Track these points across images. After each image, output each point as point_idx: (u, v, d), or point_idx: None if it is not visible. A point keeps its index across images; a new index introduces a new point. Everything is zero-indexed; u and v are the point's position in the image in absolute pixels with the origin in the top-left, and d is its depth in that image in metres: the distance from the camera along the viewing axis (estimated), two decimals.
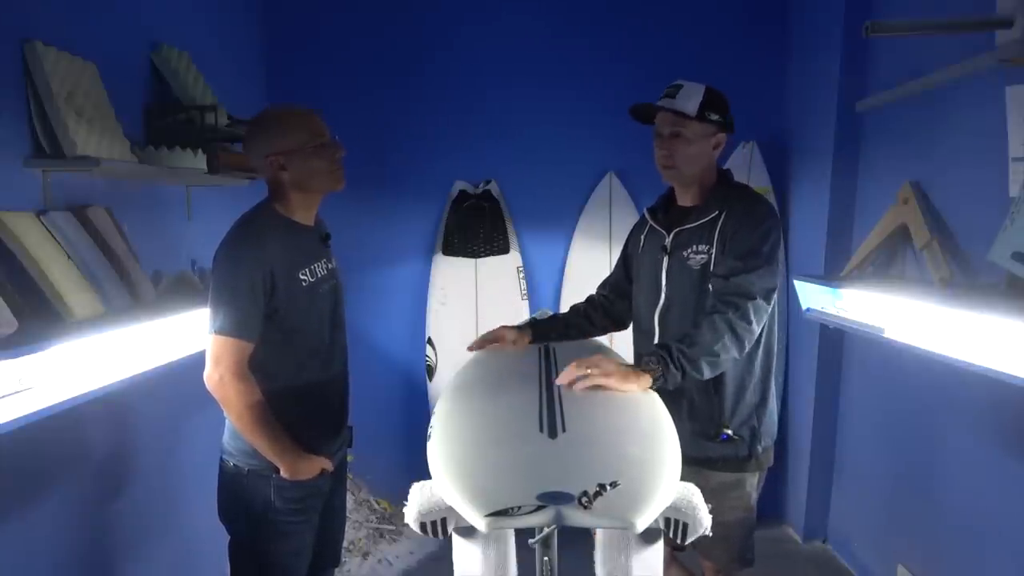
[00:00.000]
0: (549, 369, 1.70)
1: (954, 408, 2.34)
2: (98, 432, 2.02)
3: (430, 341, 3.51)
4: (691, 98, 1.79)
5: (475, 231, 3.48)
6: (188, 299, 2.09)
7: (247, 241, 1.68)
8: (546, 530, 1.24)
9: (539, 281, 3.59)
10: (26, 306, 1.54)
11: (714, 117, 1.81)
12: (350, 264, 2.48)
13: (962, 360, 1.88)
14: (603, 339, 2.20)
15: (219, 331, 1.63)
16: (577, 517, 1.05)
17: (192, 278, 2.28)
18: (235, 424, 1.70)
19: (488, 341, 1.96)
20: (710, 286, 1.78)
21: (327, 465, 1.81)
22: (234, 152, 2.43)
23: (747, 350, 1.74)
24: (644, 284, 1.96)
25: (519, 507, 1.05)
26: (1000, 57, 1.68)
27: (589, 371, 1.52)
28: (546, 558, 1.29)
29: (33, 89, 1.71)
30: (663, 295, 1.88)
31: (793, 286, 2.90)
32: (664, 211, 1.98)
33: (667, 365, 1.61)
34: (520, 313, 3.38)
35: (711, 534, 1.30)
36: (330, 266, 1.86)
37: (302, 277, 1.73)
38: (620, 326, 2.12)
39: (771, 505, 3.47)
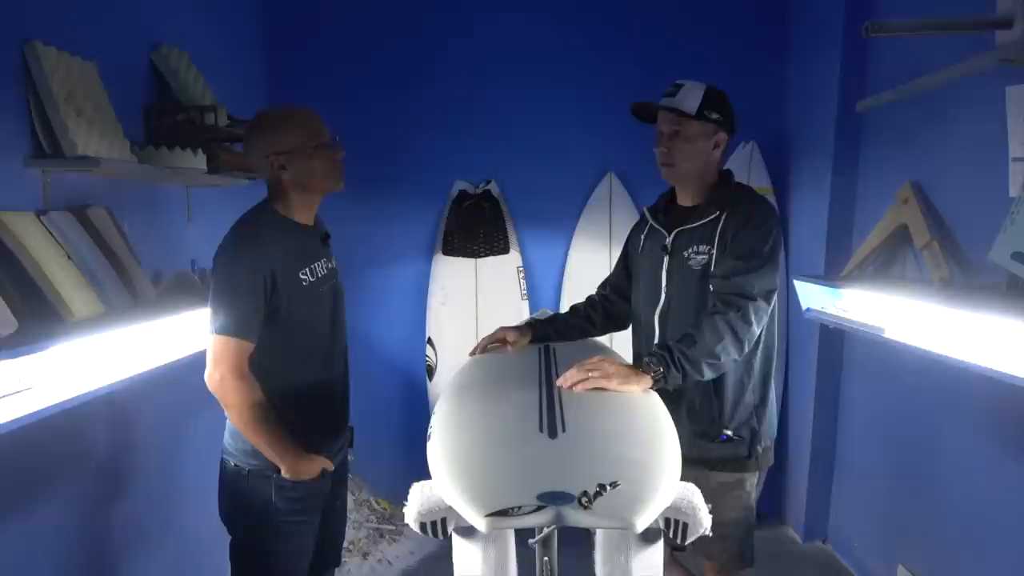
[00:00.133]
0: (549, 369, 1.70)
1: (954, 408, 2.34)
2: (98, 432, 2.02)
3: (430, 341, 3.51)
4: (691, 97, 1.80)
5: (475, 231, 3.48)
6: (188, 299, 2.09)
7: (247, 241, 1.68)
8: (546, 530, 1.24)
9: (539, 281, 3.59)
10: (26, 306, 1.55)
11: (714, 116, 1.81)
12: (350, 264, 2.48)
13: (962, 360, 1.88)
14: (603, 339, 2.19)
15: (219, 331, 1.63)
16: (577, 517, 1.05)
17: (192, 278, 2.28)
18: (236, 424, 1.70)
19: (490, 344, 1.96)
20: (711, 286, 1.78)
21: (328, 465, 1.80)
22: (234, 152, 2.43)
23: (747, 351, 1.74)
24: (644, 284, 1.96)
25: (519, 507, 1.05)
26: (1000, 57, 1.68)
27: (590, 373, 1.52)
28: (546, 558, 1.29)
29: (33, 89, 1.71)
30: (663, 295, 1.88)
31: (793, 286, 2.90)
32: (665, 211, 1.97)
33: (668, 366, 1.61)
34: (520, 313, 3.38)
35: (711, 534, 1.30)
36: (330, 266, 1.86)
37: (302, 277, 1.73)
38: (620, 326, 2.12)
39: (771, 505, 3.48)
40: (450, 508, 1.21)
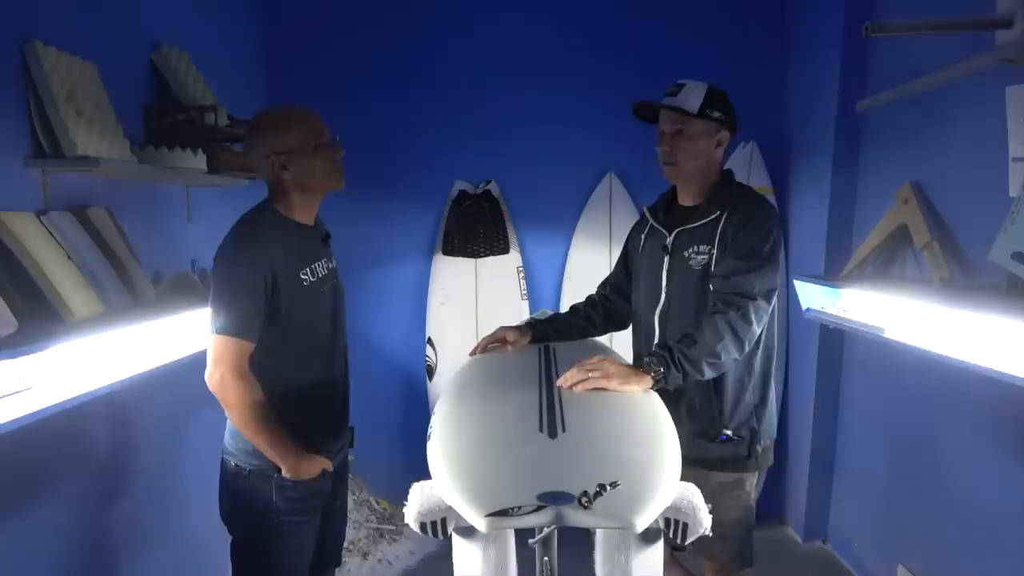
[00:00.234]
0: (549, 369, 1.70)
1: (954, 408, 2.34)
2: (98, 432, 2.02)
3: (430, 341, 3.51)
4: (693, 96, 1.80)
5: (475, 231, 3.48)
6: (188, 299, 2.09)
7: (248, 241, 1.68)
8: (546, 530, 1.24)
9: (539, 281, 3.59)
10: (26, 306, 1.54)
11: (716, 115, 1.81)
12: (350, 264, 2.48)
13: (962, 360, 1.88)
14: (603, 339, 2.19)
15: (220, 331, 1.63)
16: (577, 517, 1.05)
17: (192, 278, 2.28)
18: (236, 424, 1.70)
19: (490, 344, 1.96)
20: (711, 286, 1.78)
21: (328, 465, 1.80)
22: (234, 152, 2.43)
23: (747, 350, 1.74)
24: (644, 284, 1.96)
25: (519, 507, 1.05)
26: (1000, 57, 1.68)
27: (590, 373, 1.52)
28: (546, 558, 1.29)
29: (33, 89, 1.71)
30: (663, 295, 1.88)
31: (793, 286, 2.90)
32: (665, 210, 1.98)
33: (668, 366, 1.61)
34: (520, 313, 3.38)
35: (711, 534, 1.30)
36: (331, 266, 1.86)
37: (303, 277, 1.73)
38: (620, 326, 2.12)
39: (771, 505, 3.48)
40: (450, 508, 1.21)
